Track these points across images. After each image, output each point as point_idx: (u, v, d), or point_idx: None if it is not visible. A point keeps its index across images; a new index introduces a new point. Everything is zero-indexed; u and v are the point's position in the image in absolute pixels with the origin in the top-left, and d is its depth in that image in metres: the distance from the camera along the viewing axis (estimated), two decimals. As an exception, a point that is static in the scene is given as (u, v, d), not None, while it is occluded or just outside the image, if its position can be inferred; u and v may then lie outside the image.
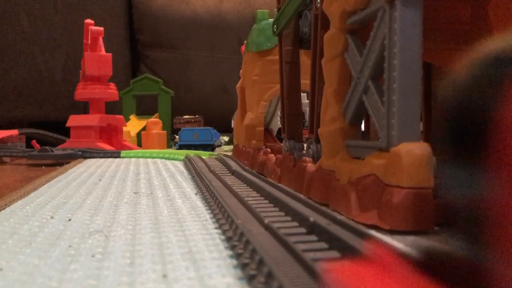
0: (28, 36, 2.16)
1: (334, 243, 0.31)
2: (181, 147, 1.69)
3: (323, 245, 0.33)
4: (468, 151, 0.14)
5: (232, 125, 1.55)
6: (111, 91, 1.67)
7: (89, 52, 1.62)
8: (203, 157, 1.10)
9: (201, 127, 1.80)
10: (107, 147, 1.57)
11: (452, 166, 0.16)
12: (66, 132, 1.68)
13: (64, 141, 1.68)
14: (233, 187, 0.58)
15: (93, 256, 0.33)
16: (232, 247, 0.33)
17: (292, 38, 0.73)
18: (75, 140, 1.59)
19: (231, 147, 1.53)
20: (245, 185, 0.65)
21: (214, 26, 2.55)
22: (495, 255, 0.11)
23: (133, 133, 1.95)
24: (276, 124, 1.20)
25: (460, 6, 0.57)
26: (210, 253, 0.34)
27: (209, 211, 0.49)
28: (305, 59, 0.78)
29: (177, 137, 1.77)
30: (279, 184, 0.62)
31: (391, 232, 0.39)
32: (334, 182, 0.51)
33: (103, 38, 1.66)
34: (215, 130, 1.72)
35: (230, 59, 2.48)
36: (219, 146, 1.77)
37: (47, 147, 1.30)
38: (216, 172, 0.76)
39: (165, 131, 1.85)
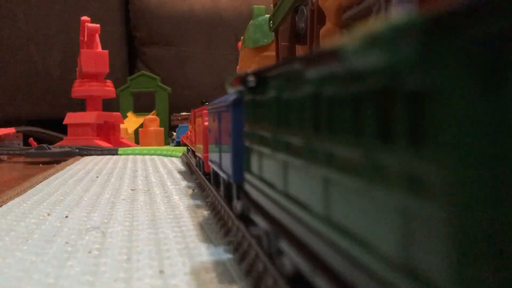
0: (25, 34, 2.15)
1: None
2: (178, 144, 1.69)
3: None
4: None
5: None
6: (108, 88, 1.67)
7: (86, 49, 1.61)
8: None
9: (199, 124, 1.80)
10: (105, 144, 1.56)
11: None
12: (63, 129, 1.68)
13: (61, 139, 1.67)
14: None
15: (90, 252, 0.33)
16: (229, 243, 0.33)
17: (289, 33, 0.73)
18: (72, 137, 1.59)
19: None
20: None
21: (211, 23, 2.55)
22: None
23: (131, 130, 1.94)
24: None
25: (456, 0, 0.56)
26: (207, 248, 0.34)
27: (206, 207, 0.49)
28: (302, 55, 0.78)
29: (174, 134, 1.77)
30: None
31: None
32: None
33: (99, 35, 1.65)
34: (212, 127, 1.72)
35: (227, 56, 2.48)
36: (217, 142, 1.76)
37: (44, 145, 1.30)
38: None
39: (162, 128, 1.85)
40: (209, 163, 0.52)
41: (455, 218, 0.09)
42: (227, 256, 0.32)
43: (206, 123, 0.55)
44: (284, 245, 0.21)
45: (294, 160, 0.20)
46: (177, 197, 0.57)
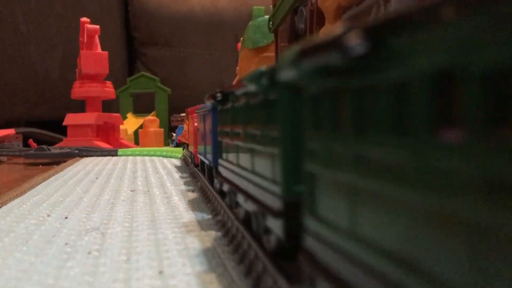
0: (24, 35, 2.15)
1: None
2: (178, 144, 1.69)
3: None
4: None
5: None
6: (108, 89, 1.67)
7: (85, 51, 1.61)
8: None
9: (198, 125, 1.79)
10: (104, 145, 1.56)
11: None
12: (63, 130, 1.68)
13: (61, 140, 1.67)
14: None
15: (89, 253, 0.33)
16: (229, 243, 0.34)
17: (288, 34, 0.73)
18: (72, 138, 1.59)
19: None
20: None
21: (210, 23, 2.55)
22: None
23: (130, 131, 1.94)
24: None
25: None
26: (206, 249, 0.34)
27: (205, 207, 0.49)
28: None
29: (174, 134, 1.76)
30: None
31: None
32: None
33: (99, 36, 1.65)
34: (212, 128, 1.71)
35: (226, 56, 2.48)
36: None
37: (44, 146, 1.30)
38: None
39: (162, 129, 1.85)
40: (198, 155, 0.66)
41: (282, 154, 0.23)
42: (228, 256, 0.32)
43: (196, 124, 0.66)
44: (238, 197, 0.34)
45: (239, 142, 0.33)
46: (176, 197, 0.57)
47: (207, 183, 0.55)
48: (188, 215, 0.46)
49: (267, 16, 0.96)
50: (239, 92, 0.32)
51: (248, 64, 1.05)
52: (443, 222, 0.11)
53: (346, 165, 0.16)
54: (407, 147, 0.12)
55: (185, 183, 0.68)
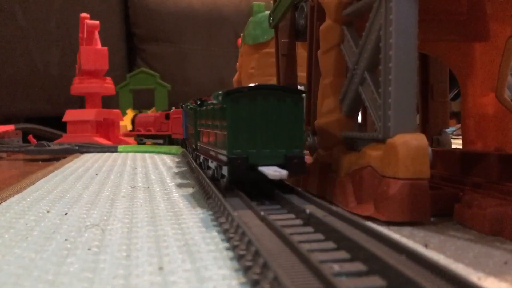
0: (24, 31, 2.15)
1: (330, 234, 0.31)
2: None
3: (319, 236, 0.33)
4: None
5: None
6: (108, 85, 1.66)
7: (85, 46, 1.61)
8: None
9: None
10: (104, 141, 1.56)
11: None
12: (62, 127, 1.68)
13: (60, 136, 1.67)
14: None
15: (89, 249, 0.33)
16: (229, 239, 0.33)
17: (289, 30, 0.72)
18: (72, 134, 1.59)
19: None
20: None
21: (210, 19, 2.54)
22: None
23: (130, 127, 1.94)
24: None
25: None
26: (206, 245, 0.34)
27: (206, 204, 0.49)
28: (301, 52, 0.77)
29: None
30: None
31: (388, 223, 0.40)
32: (331, 174, 0.51)
33: (99, 32, 1.65)
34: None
35: (226, 52, 2.48)
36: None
37: (43, 142, 1.30)
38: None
39: (162, 125, 1.84)
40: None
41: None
42: (227, 253, 0.32)
43: (180, 116, 1.03)
44: (200, 157, 0.63)
45: (190, 126, 0.71)
46: (176, 194, 0.57)
47: (185, 149, 1.01)
48: (188, 212, 0.46)
49: (267, 12, 0.96)
50: (194, 106, 0.64)
51: (248, 60, 1.05)
52: (212, 135, 0.52)
53: (204, 126, 0.58)
54: (209, 120, 0.53)
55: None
